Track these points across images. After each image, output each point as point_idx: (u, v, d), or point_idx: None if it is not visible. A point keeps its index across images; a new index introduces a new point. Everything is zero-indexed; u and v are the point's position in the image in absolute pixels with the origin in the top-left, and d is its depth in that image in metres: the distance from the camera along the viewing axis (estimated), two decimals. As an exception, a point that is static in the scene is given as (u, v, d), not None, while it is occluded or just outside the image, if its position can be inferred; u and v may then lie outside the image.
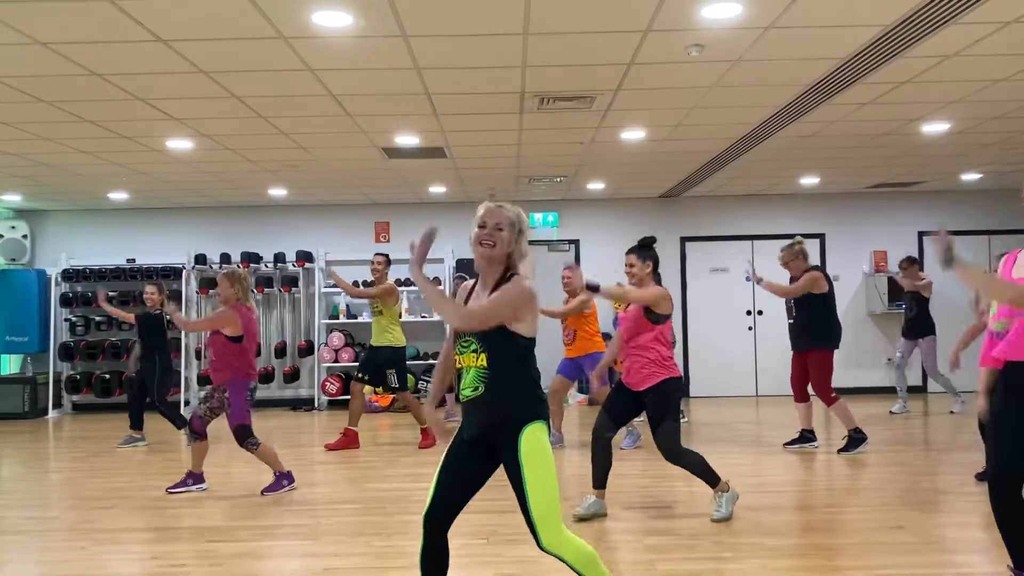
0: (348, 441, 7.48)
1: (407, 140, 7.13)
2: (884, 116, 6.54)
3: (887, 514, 4.89)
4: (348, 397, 10.42)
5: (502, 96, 5.75)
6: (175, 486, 5.82)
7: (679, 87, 5.64)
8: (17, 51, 4.56)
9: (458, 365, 2.94)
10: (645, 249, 4.92)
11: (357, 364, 10.51)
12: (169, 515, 5.24)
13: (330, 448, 7.43)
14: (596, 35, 4.54)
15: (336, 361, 10.60)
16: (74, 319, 10.67)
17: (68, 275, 10.78)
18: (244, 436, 5.60)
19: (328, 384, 10.52)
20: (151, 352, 8.01)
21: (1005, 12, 4.25)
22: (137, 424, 8.06)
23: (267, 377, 10.64)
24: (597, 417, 4.98)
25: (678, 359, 11.38)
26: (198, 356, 10.77)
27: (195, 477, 5.86)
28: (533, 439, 2.86)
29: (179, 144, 7.07)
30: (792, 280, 6.89)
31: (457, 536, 4.66)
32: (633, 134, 7.06)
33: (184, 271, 10.74)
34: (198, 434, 5.74)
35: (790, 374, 6.93)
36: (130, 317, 8.07)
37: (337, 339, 10.66)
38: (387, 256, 7.59)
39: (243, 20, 4.18)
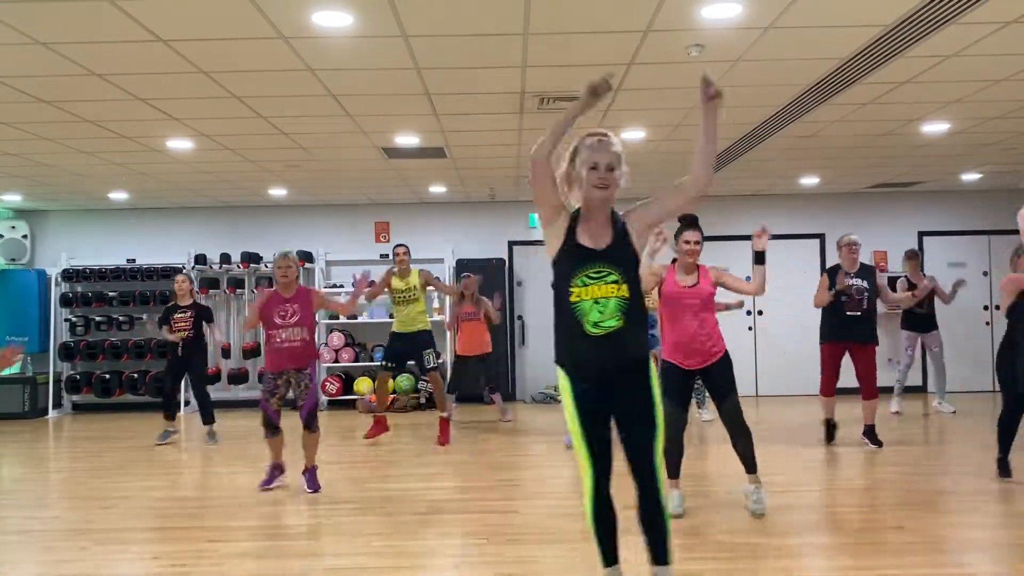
0: (381, 427, 7.75)
1: (407, 140, 7.13)
2: (884, 116, 6.54)
3: (887, 514, 4.90)
4: (348, 397, 10.50)
5: (502, 96, 5.75)
6: (266, 482, 5.82)
7: (679, 87, 5.64)
8: (17, 51, 4.56)
9: (581, 298, 2.82)
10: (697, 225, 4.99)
11: (356, 364, 10.59)
12: (169, 515, 5.24)
13: (369, 437, 7.71)
14: (596, 35, 4.54)
15: (336, 361, 10.60)
16: (74, 319, 10.67)
17: (68, 275, 10.78)
18: (315, 416, 5.80)
19: (328, 384, 10.52)
20: (199, 341, 8.02)
21: (1005, 12, 4.25)
22: (173, 415, 8.09)
23: (267, 377, 10.63)
24: (670, 415, 4.85)
25: (678, 359, 11.26)
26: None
27: (280, 468, 5.90)
28: (655, 373, 2.93)
29: (179, 144, 7.07)
30: (855, 274, 6.80)
31: (457, 536, 4.67)
32: (633, 134, 7.06)
33: (184, 271, 10.72)
34: (276, 428, 5.79)
35: (860, 369, 6.80)
36: (175, 337, 7.96)
37: (337, 339, 10.65)
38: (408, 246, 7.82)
39: (243, 20, 4.18)
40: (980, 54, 4.93)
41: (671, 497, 4.92)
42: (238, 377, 10.22)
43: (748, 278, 5.02)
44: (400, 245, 7.71)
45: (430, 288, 8.01)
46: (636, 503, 2.97)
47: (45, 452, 8.20)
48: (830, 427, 7.11)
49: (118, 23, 4.17)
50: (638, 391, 2.89)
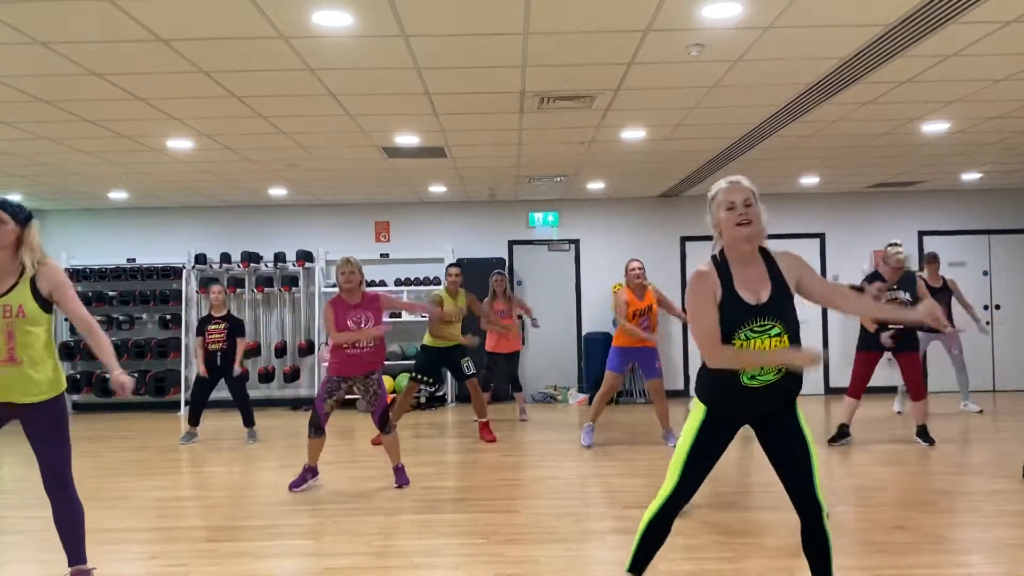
0: None
1: (407, 140, 7.13)
2: (884, 116, 6.54)
3: (887, 514, 4.90)
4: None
5: (502, 96, 5.75)
6: (296, 483, 5.80)
7: (679, 87, 5.64)
8: (17, 51, 4.56)
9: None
10: None
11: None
12: (169, 515, 5.24)
13: (377, 443, 7.66)
14: (596, 35, 4.54)
15: (336, 361, 10.58)
16: (74, 319, 10.65)
17: (68, 275, 10.74)
18: (388, 418, 5.81)
19: (328, 384, 10.50)
20: (233, 351, 7.98)
21: (1005, 12, 4.25)
22: (198, 421, 8.08)
23: (267, 377, 10.64)
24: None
25: (679, 359, 11.31)
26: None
27: (312, 471, 5.88)
28: (801, 409, 2.95)
29: (179, 144, 7.07)
30: (896, 284, 6.88)
31: (457, 535, 4.67)
32: (633, 134, 7.06)
33: (184, 271, 10.74)
34: (322, 430, 5.76)
35: (905, 374, 6.97)
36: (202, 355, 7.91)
37: (337, 339, 10.64)
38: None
39: (243, 20, 4.18)
40: (980, 54, 4.93)
41: None
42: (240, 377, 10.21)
43: None
44: (453, 265, 7.95)
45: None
46: (801, 531, 2.95)
47: (45, 452, 8.18)
48: (843, 430, 7.12)
49: (118, 23, 4.17)
50: (786, 423, 2.91)
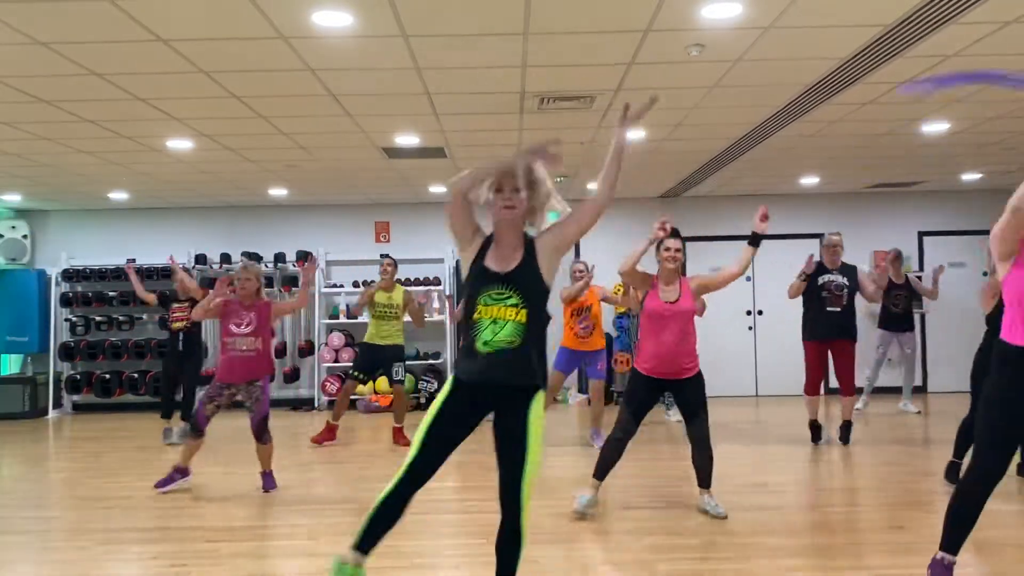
0: (330, 434, 7.80)
1: (407, 140, 7.13)
2: (884, 116, 6.54)
3: (887, 514, 4.90)
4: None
5: (502, 96, 5.75)
6: (163, 482, 5.79)
7: (679, 87, 5.64)
8: (17, 51, 4.56)
9: (482, 316, 2.88)
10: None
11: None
12: (169, 515, 5.24)
13: (316, 442, 7.75)
14: (596, 35, 4.54)
15: (336, 361, 10.60)
16: (74, 319, 10.66)
17: (68, 275, 10.78)
18: (266, 428, 5.75)
19: (328, 384, 10.52)
20: (197, 338, 8.02)
21: (1005, 12, 4.25)
22: (170, 414, 8.12)
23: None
24: (623, 420, 4.89)
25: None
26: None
27: (182, 471, 5.87)
28: (540, 407, 2.94)
29: (179, 144, 7.07)
30: (836, 271, 7.14)
31: (457, 536, 4.67)
32: (633, 134, 7.06)
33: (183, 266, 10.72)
34: (201, 432, 5.74)
35: (839, 366, 7.04)
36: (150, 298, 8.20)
37: (337, 339, 10.65)
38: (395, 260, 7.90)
39: (243, 20, 4.18)
40: (980, 54, 4.93)
41: (581, 497, 4.98)
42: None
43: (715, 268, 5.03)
44: (386, 255, 7.81)
45: (421, 300, 7.84)
46: (499, 527, 3.00)
47: (45, 452, 8.20)
48: (815, 428, 7.19)
49: (118, 23, 4.17)
50: (514, 420, 2.92)
